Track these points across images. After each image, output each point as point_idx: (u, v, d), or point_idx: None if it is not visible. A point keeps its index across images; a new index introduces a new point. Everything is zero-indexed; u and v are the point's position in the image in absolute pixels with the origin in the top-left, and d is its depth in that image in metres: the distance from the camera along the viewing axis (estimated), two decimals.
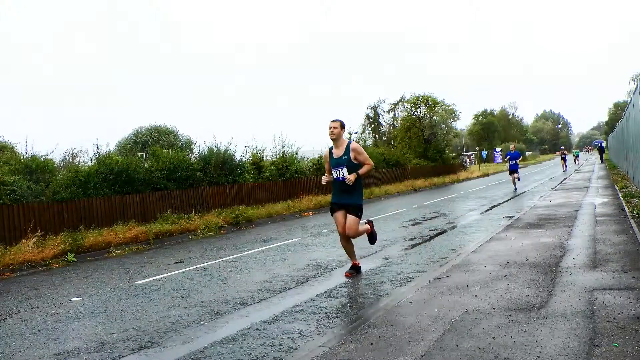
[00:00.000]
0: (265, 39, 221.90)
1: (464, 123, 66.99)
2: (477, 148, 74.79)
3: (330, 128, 6.68)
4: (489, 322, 4.33)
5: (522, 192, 20.48)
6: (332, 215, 6.86)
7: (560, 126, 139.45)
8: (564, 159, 38.48)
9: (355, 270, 7.10)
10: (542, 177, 31.12)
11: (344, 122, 6.85)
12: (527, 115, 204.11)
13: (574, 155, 53.02)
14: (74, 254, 10.97)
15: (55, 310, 6.59)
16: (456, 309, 4.78)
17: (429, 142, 36.69)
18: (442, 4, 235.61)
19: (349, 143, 6.75)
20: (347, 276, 6.95)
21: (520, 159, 22.79)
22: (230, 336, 4.88)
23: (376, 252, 9.02)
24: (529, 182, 27.08)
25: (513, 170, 22.07)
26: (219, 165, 17.45)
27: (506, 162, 22.72)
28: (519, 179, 22.68)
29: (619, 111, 66.18)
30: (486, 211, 14.57)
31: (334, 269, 7.80)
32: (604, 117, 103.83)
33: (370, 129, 49.69)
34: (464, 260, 7.08)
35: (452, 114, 37.77)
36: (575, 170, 34.73)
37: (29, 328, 5.80)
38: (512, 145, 23.14)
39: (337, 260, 8.49)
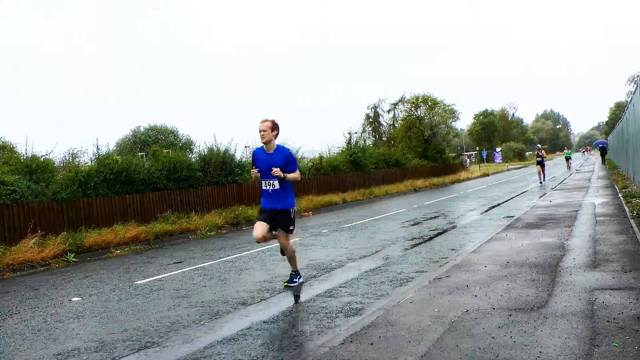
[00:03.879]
0: (265, 39, 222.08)
1: (464, 123, 67.09)
2: (477, 148, 74.81)
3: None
4: (489, 322, 4.32)
5: (522, 192, 20.47)
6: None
7: (559, 126, 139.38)
8: (540, 164, 25.12)
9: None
10: None
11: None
12: (527, 115, 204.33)
13: (565, 158, 41.59)
14: (74, 254, 10.97)
15: (55, 310, 6.59)
16: (456, 309, 4.78)
17: (429, 142, 36.70)
18: (442, 4, 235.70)
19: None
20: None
21: (294, 171, 6.64)
22: (230, 336, 4.88)
23: (376, 252, 9.02)
24: (529, 182, 27.08)
25: (268, 216, 6.54)
26: (219, 165, 17.44)
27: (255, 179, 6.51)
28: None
29: (619, 111, 66.09)
30: (486, 211, 14.57)
31: (334, 269, 7.79)
32: (604, 117, 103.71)
33: (370, 129, 49.72)
34: (464, 260, 7.08)
35: (452, 114, 37.75)
36: (577, 171, 34.70)
37: (29, 328, 5.80)
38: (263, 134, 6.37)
39: (337, 260, 8.49)
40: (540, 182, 24.80)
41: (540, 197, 16.87)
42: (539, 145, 27.17)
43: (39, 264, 10.31)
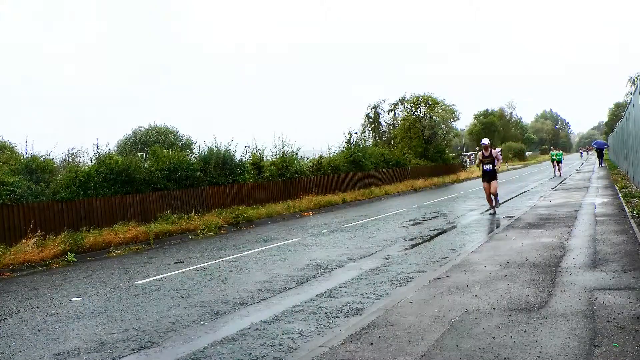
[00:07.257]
0: (265, 39, 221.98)
1: (464, 123, 66.85)
2: (477, 148, 74.79)
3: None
4: (489, 322, 4.33)
5: (522, 192, 20.47)
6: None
7: (559, 126, 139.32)
8: (489, 179, 13.32)
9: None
10: (542, 177, 31.12)
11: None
12: (527, 115, 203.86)
13: (553, 160, 32.84)
14: (74, 254, 10.97)
15: (55, 310, 6.60)
16: (456, 309, 4.78)
17: (429, 142, 36.68)
18: (442, 4, 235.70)
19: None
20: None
21: None
22: (230, 336, 4.88)
23: (376, 252, 9.02)
24: (529, 182, 27.09)
25: None
26: (219, 165, 17.45)
27: None
28: None
29: (618, 111, 66.05)
30: (486, 211, 14.56)
31: (334, 269, 7.79)
32: (604, 117, 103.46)
33: (370, 129, 49.75)
34: (464, 260, 7.07)
35: (452, 114, 37.72)
36: (577, 171, 34.67)
37: (29, 328, 5.80)
38: None
39: (337, 260, 8.49)
40: (493, 209, 13.75)
41: (540, 197, 16.87)
42: (486, 142, 13.42)
43: (39, 264, 10.31)
